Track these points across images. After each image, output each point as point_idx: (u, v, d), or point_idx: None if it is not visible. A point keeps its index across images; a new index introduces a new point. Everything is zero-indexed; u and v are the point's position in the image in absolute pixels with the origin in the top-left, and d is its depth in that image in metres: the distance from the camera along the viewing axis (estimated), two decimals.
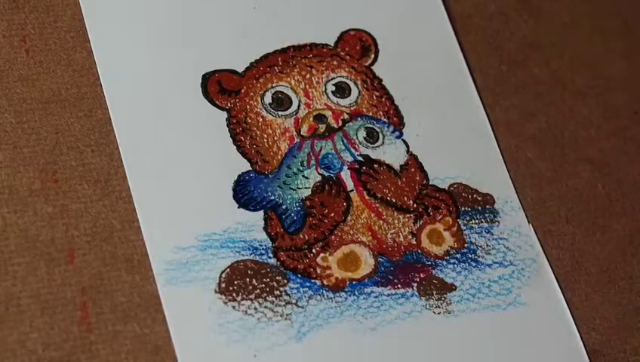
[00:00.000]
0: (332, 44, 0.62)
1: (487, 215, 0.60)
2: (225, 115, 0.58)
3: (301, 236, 0.56)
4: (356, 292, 0.55)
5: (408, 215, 0.58)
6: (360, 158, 0.59)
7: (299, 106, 0.60)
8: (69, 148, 0.55)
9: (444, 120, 0.62)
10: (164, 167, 0.56)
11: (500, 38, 0.66)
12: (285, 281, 0.55)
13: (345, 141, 0.59)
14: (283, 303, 0.54)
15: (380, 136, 0.60)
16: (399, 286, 0.56)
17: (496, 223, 0.59)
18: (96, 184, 0.55)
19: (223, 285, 0.54)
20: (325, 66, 0.61)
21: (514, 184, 0.61)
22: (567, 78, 0.66)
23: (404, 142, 0.60)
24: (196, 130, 0.58)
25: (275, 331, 0.53)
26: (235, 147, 0.58)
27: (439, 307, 0.56)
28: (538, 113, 0.64)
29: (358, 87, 0.61)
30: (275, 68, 0.60)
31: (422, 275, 0.57)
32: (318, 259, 0.56)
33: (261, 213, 0.56)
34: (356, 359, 0.54)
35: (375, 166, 0.59)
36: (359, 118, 0.60)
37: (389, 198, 0.58)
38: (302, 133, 0.59)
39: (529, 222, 0.60)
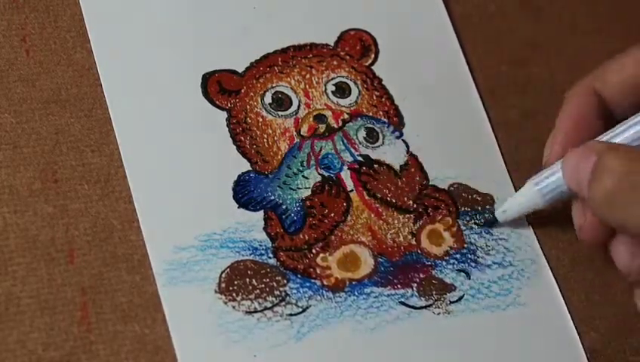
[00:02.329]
0: (332, 44, 0.62)
1: (487, 215, 0.60)
2: (225, 115, 0.58)
3: (301, 236, 0.56)
4: (356, 293, 0.55)
5: (408, 215, 0.58)
6: (360, 158, 0.59)
7: (299, 106, 0.60)
8: (69, 148, 0.55)
9: (444, 120, 0.62)
10: (164, 167, 0.56)
11: (500, 38, 0.66)
12: (285, 281, 0.55)
13: (345, 141, 0.59)
14: (283, 303, 0.54)
15: (380, 136, 0.60)
16: (399, 286, 0.56)
17: (496, 224, 0.59)
18: (96, 184, 0.55)
19: (223, 285, 0.54)
20: (325, 66, 0.61)
21: (514, 184, 0.61)
22: (567, 78, 0.66)
23: (404, 142, 0.60)
24: (196, 130, 0.58)
25: (274, 331, 0.53)
26: (235, 147, 0.58)
27: (439, 307, 0.56)
28: (538, 113, 0.64)
29: (358, 87, 0.61)
30: (275, 68, 0.60)
31: (421, 275, 0.57)
32: (318, 259, 0.56)
33: (261, 213, 0.56)
34: (356, 359, 0.54)
35: (375, 166, 0.59)
36: (359, 118, 0.60)
37: (388, 198, 0.58)
38: (302, 133, 0.59)
39: (529, 223, 0.60)
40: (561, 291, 0.58)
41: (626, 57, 0.58)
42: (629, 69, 0.57)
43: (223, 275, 0.54)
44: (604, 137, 0.55)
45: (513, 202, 0.58)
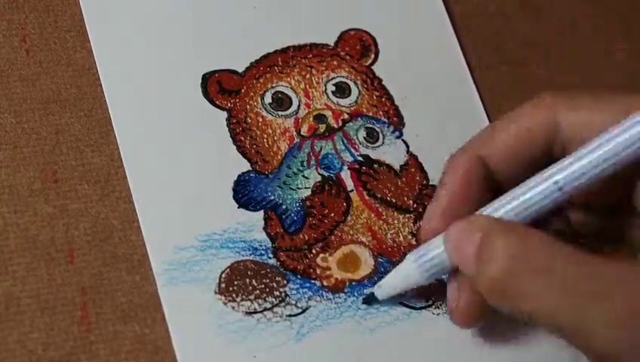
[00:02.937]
0: (332, 44, 0.62)
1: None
2: (225, 115, 0.58)
3: (301, 236, 0.56)
4: (356, 293, 0.55)
5: (408, 215, 0.58)
6: (360, 158, 0.59)
7: (299, 106, 0.60)
8: (69, 148, 0.55)
9: (444, 120, 0.62)
10: (164, 167, 0.56)
11: (500, 38, 0.66)
12: (285, 282, 0.55)
13: (345, 141, 0.59)
14: (283, 304, 0.54)
15: (380, 136, 0.60)
16: None
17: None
18: (96, 184, 0.55)
19: (223, 285, 0.54)
20: (325, 66, 0.61)
21: None
22: (567, 78, 0.66)
23: (404, 142, 0.60)
24: (196, 130, 0.58)
25: (274, 332, 0.53)
26: (235, 147, 0.58)
27: (439, 307, 0.56)
28: None
29: (358, 87, 0.61)
30: (275, 68, 0.60)
31: None
32: (318, 260, 0.56)
33: (261, 213, 0.56)
34: (356, 360, 0.54)
35: (375, 166, 0.59)
36: (359, 118, 0.60)
37: (388, 198, 0.58)
38: (302, 133, 0.59)
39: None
40: None
41: (511, 123, 0.53)
42: (511, 138, 0.53)
43: (223, 276, 0.54)
44: (489, 209, 0.51)
45: (391, 278, 0.54)
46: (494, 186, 0.53)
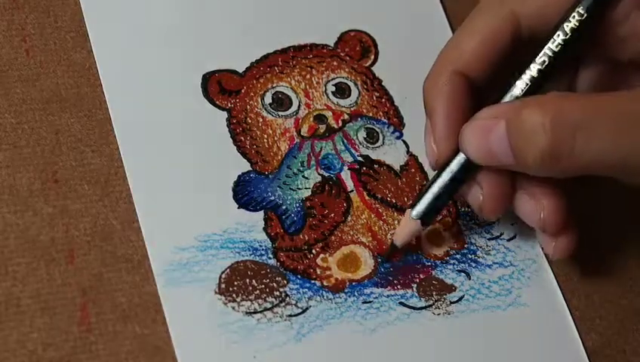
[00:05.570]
0: (332, 45, 0.62)
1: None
2: (225, 115, 0.58)
3: (301, 236, 0.56)
4: (356, 293, 0.55)
5: None
6: (360, 159, 0.59)
7: (299, 107, 0.60)
8: (69, 148, 0.55)
9: None
10: (164, 167, 0.56)
11: None
12: (285, 282, 0.55)
13: (345, 141, 0.59)
14: (283, 304, 0.54)
15: (380, 136, 0.60)
16: (399, 286, 0.56)
17: (496, 223, 0.59)
18: (96, 184, 0.55)
19: (223, 286, 0.54)
20: (325, 67, 0.61)
21: None
22: None
23: (404, 142, 0.60)
24: (196, 130, 0.58)
25: (274, 332, 0.53)
26: (235, 147, 0.58)
27: (439, 308, 0.56)
28: None
29: (358, 88, 0.61)
30: (276, 68, 0.60)
31: (421, 276, 0.57)
32: (318, 260, 0.56)
33: (261, 213, 0.56)
34: (356, 360, 0.54)
35: (375, 166, 0.59)
36: (359, 119, 0.60)
37: (389, 199, 0.58)
38: (302, 134, 0.59)
39: None
40: (561, 291, 0.58)
41: (474, 32, 0.55)
42: (480, 47, 0.54)
43: (223, 276, 0.54)
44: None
45: (399, 233, 0.55)
46: (475, 92, 0.54)
